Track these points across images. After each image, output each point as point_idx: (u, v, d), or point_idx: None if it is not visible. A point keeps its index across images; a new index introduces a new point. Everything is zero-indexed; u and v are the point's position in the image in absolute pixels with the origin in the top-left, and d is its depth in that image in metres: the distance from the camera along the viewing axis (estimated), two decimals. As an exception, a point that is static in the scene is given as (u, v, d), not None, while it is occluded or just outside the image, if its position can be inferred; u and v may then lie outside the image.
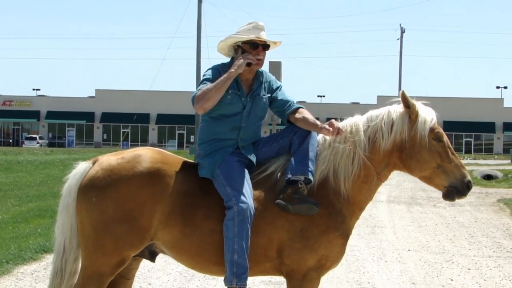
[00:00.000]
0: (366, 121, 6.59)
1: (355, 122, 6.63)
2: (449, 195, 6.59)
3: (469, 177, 6.64)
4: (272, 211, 6.29)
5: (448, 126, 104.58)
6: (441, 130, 6.61)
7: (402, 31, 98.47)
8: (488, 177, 41.64)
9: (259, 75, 6.72)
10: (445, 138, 6.65)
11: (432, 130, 6.55)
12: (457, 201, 23.29)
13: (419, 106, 6.61)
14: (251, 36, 6.58)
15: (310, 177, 6.27)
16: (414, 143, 6.47)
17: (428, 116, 6.58)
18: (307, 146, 6.34)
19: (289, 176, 6.26)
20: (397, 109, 6.60)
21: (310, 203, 6.20)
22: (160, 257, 6.55)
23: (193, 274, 11.03)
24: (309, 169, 6.26)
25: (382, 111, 6.60)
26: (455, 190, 6.54)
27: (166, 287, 11.00)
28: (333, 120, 6.48)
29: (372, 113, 6.65)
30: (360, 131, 6.51)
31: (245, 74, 6.62)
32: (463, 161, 49.21)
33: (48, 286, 6.72)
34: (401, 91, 6.53)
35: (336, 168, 6.46)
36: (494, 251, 15.07)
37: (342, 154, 6.47)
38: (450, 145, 6.64)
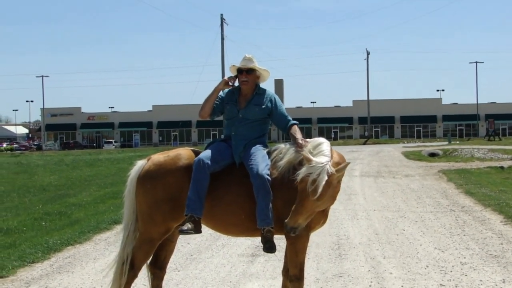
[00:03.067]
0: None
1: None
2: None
3: (289, 224, 5.73)
4: (273, 188, 6.17)
5: (404, 119, 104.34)
6: (302, 185, 5.79)
7: (368, 53, 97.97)
8: (432, 155, 41.34)
9: (257, 90, 6.69)
10: (303, 193, 5.76)
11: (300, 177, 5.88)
12: (410, 172, 23.34)
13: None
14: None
15: (271, 226, 6.12)
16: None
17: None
18: (262, 198, 6.09)
19: (260, 227, 6.15)
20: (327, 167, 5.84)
21: (273, 245, 6.17)
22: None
23: (219, 236, 11.01)
24: (269, 220, 6.09)
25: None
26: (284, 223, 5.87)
27: (200, 245, 11.01)
28: (302, 140, 6.30)
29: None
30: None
31: (244, 91, 6.65)
32: (416, 144, 49.09)
33: (120, 248, 6.66)
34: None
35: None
36: (434, 208, 14.97)
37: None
38: (304, 202, 5.77)
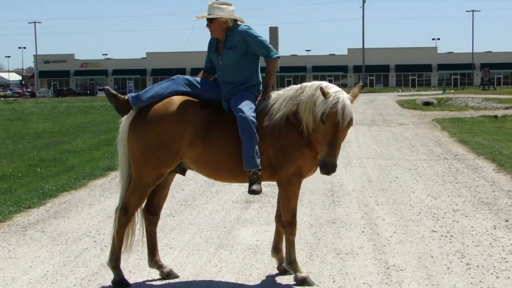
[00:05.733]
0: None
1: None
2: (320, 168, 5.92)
3: (332, 161, 5.75)
4: (261, 133, 6.25)
5: (399, 68, 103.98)
6: (332, 118, 5.77)
7: (364, 1, 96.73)
8: (427, 104, 41.41)
9: (227, 33, 6.57)
10: (335, 126, 5.77)
11: (323, 114, 5.84)
12: (404, 121, 23.32)
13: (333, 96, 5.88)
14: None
15: (256, 168, 6.15)
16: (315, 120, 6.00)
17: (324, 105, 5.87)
18: (246, 140, 6.14)
19: (246, 170, 6.18)
20: (316, 94, 6.04)
21: (258, 187, 6.18)
22: (190, 173, 6.55)
23: (213, 183, 11.05)
24: (255, 162, 6.12)
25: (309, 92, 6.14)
26: (321, 163, 5.85)
27: (194, 191, 11.07)
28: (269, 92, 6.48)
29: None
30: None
31: (218, 36, 6.59)
32: (411, 93, 48.66)
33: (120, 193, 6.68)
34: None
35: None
36: (427, 156, 15.06)
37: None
38: (338, 134, 5.80)
